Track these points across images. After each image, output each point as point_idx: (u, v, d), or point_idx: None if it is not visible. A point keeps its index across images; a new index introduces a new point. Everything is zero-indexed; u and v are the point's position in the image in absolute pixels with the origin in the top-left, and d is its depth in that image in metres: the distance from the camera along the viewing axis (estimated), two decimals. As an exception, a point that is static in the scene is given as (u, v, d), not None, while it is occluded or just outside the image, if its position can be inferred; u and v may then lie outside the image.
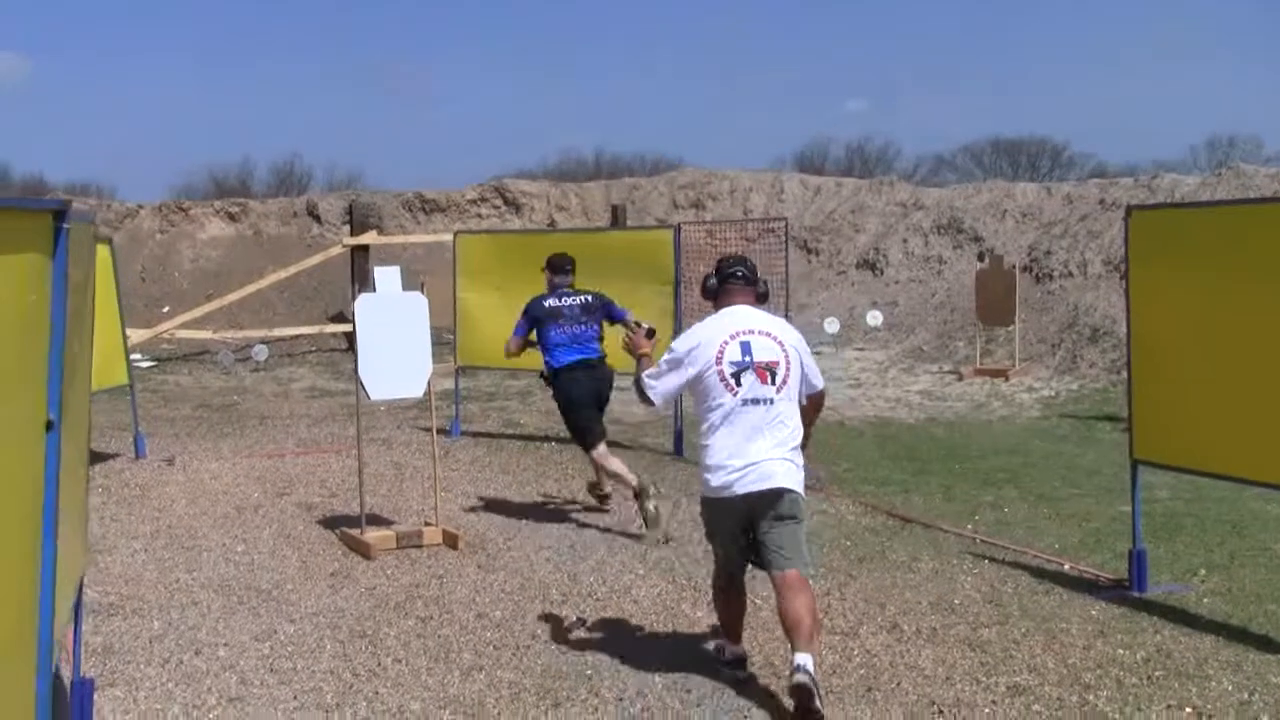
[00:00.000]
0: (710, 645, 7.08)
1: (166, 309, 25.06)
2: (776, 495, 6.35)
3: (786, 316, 12.18)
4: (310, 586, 8.49)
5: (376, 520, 10.11)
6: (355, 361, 9.60)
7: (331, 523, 10.19)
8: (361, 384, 9.60)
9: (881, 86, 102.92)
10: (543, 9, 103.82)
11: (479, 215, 29.39)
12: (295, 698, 6.48)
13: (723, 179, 29.40)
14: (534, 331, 10.33)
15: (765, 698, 6.41)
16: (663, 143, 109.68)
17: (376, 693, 6.53)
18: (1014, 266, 20.66)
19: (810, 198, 28.61)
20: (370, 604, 8.06)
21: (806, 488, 6.61)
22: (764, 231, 12.52)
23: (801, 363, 6.55)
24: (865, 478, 11.86)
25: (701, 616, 7.67)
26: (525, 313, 10.39)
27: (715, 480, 6.40)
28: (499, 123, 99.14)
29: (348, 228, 25.33)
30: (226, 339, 22.96)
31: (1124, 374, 8.75)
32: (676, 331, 11.44)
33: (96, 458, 13.23)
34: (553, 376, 10.28)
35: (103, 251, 13.08)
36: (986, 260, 21.93)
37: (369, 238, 23.59)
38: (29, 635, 3.50)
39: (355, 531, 9.56)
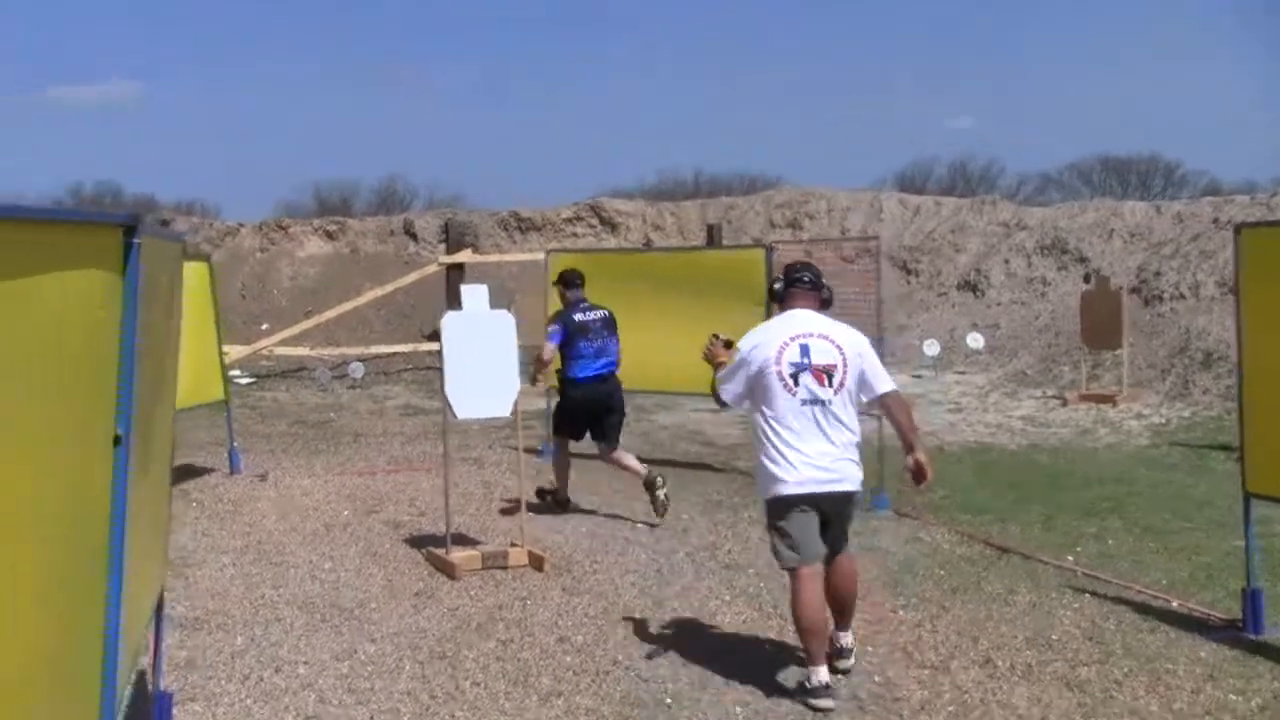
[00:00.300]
0: (795, 681, 6.84)
1: (265, 326, 25.25)
2: (845, 497, 6.82)
3: (880, 339, 11.98)
4: (393, 606, 8.42)
5: (463, 540, 10.03)
6: (442, 380, 9.51)
7: (419, 541, 10.12)
8: (448, 403, 9.54)
9: (988, 104, 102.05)
10: (644, 29, 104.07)
11: (574, 234, 29.36)
12: (371, 718, 6.40)
13: (820, 198, 29.13)
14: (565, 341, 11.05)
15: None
16: (763, 161, 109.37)
17: (453, 716, 6.45)
18: (1121, 288, 20.11)
19: (910, 217, 28.26)
20: (452, 625, 7.97)
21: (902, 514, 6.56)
22: (861, 252, 12.27)
23: (861, 367, 6.80)
24: (963, 505, 11.57)
25: (788, 643, 7.48)
26: (561, 323, 11.06)
27: (790, 479, 6.66)
28: (599, 142, 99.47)
29: (444, 246, 25.43)
30: (323, 356, 23.07)
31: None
32: None
33: (192, 472, 13.31)
34: (570, 385, 11.12)
35: (201, 269, 13.20)
36: (1092, 281, 21.32)
37: (464, 256, 23.64)
38: (96, 647, 3.44)
39: (441, 551, 9.48)
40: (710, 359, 7.31)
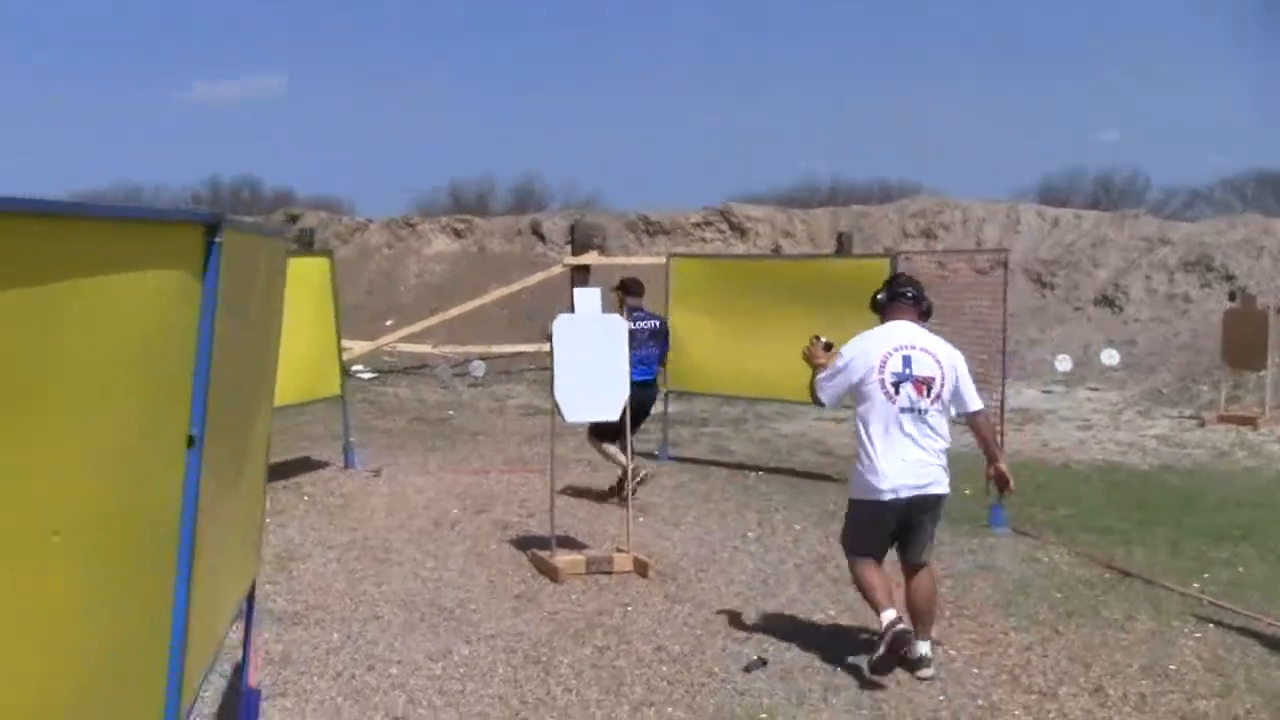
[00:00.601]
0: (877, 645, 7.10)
1: (390, 322, 25.43)
2: (934, 500, 7.23)
3: (1004, 355, 11.69)
4: (493, 607, 8.35)
5: (570, 543, 9.95)
6: (552, 382, 9.43)
7: (525, 543, 10.05)
8: (557, 405, 9.45)
9: (1136, 117, 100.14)
10: (791, 36, 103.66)
11: (703, 239, 29.21)
12: (458, 722, 6.33)
13: (955, 208, 28.65)
14: None
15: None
16: (901, 169, 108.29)
17: (541, 722, 6.33)
18: (1268, 307, 19.41)
19: (1047, 230, 27.67)
20: (549, 629, 7.88)
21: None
22: (996, 264, 11.97)
23: (957, 382, 7.25)
24: (1086, 525, 11.22)
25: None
26: None
27: (882, 485, 7.08)
28: (737, 147, 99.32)
29: (570, 247, 25.42)
30: (446, 354, 23.16)
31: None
32: None
33: (307, 466, 13.39)
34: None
35: (322, 264, 13.26)
36: (1237, 300, 20.61)
37: (589, 258, 23.59)
38: (163, 648, 3.36)
39: (545, 554, 9.39)
40: (809, 359, 7.61)
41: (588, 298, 9.85)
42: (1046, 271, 26.28)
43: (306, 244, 23.52)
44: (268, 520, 10.50)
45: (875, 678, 6.92)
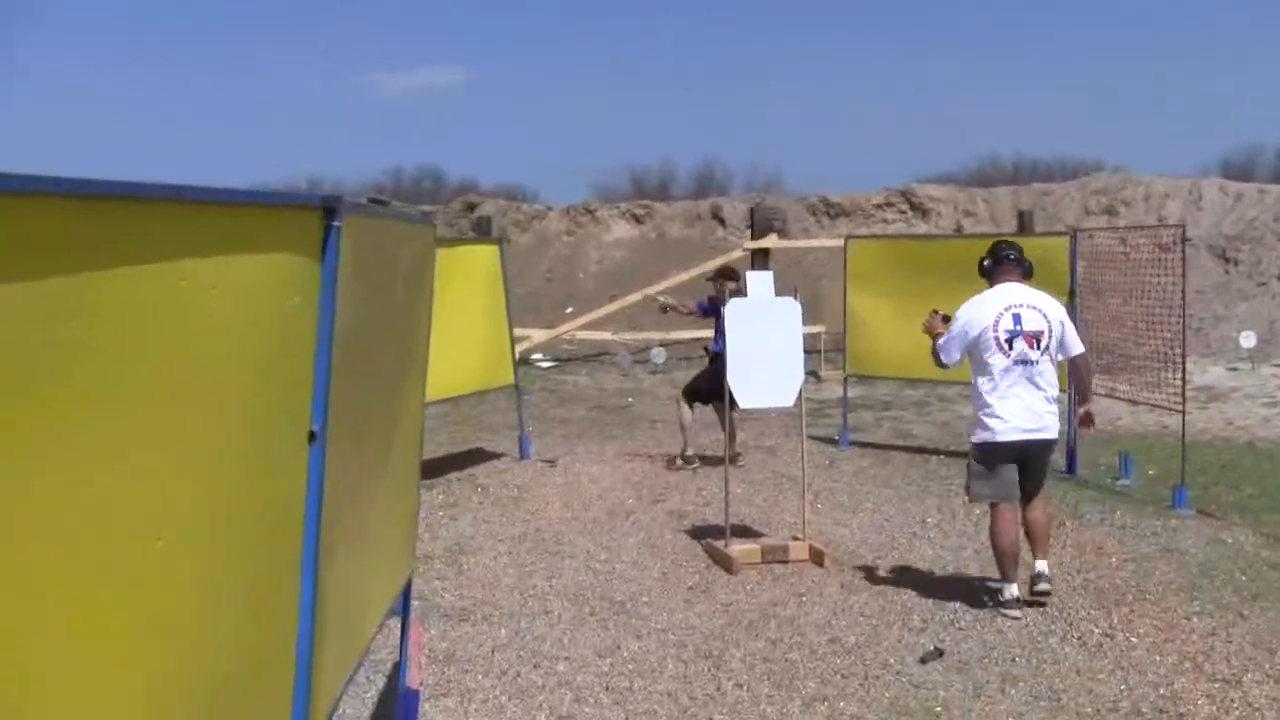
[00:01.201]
0: (988, 598, 8.00)
1: (570, 310, 25.47)
2: (1047, 444, 8.10)
3: (1184, 331, 11.24)
4: (665, 600, 8.22)
5: (745, 532, 9.79)
6: (725, 368, 9.27)
7: (700, 533, 9.92)
8: (730, 391, 9.29)
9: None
10: (964, 21, 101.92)
11: (884, 220, 28.74)
12: (626, 720, 6.21)
13: (1137, 184, 27.74)
14: (715, 316, 12.00)
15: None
16: (1084, 147, 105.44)
17: (711, 719, 6.17)
18: None
19: (1230, 205, 26.62)
20: (722, 622, 7.73)
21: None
22: (1178, 239, 11.53)
23: (1063, 331, 8.05)
24: (1272, 505, 10.73)
25: (1069, 653, 6.97)
26: (715, 301, 12.30)
27: (1002, 429, 7.89)
28: (919, 127, 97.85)
29: (750, 231, 25.15)
30: (626, 341, 23.12)
31: None
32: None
33: (482, 456, 13.43)
34: (716, 357, 12.18)
35: (491, 252, 13.26)
36: None
37: (769, 241, 23.30)
38: (290, 651, 3.29)
39: (720, 544, 9.25)
40: (929, 330, 8.58)
41: (761, 281, 9.68)
42: (1230, 247, 25.27)
43: (484, 232, 23.67)
44: (440, 513, 10.59)
45: (1008, 613, 7.73)
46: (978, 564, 8.91)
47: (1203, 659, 6.85)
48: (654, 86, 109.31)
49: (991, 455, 7.97)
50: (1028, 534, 8.04)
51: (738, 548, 9.14)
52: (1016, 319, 7.95)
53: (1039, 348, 7.92)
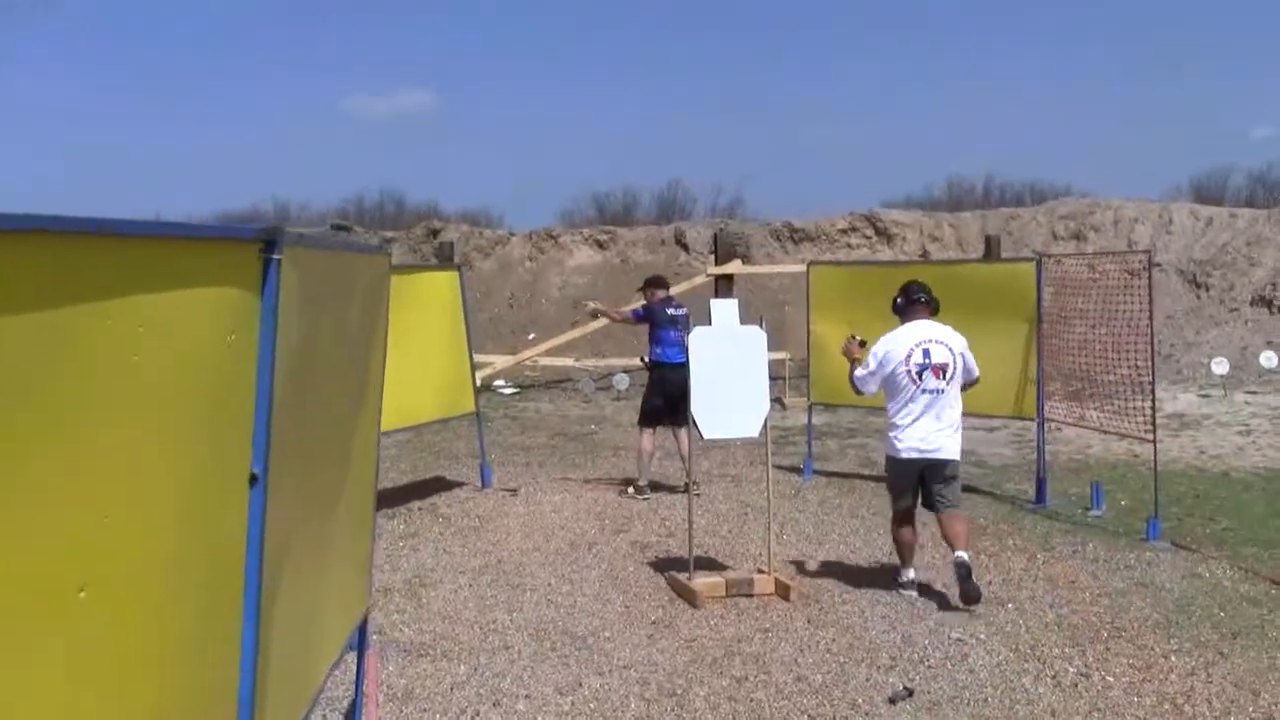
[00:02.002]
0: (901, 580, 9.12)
1: (532, 335, 25.32)
2: (946, 463, 9.01)
3: (1153, 358, 11.15)
4: (628, 635, 8.03)
5: (710, 564, 9.62)
6: (689, 398, 9.10)
7: (664, 565, 9.73)
8: (694, 423, 9.13)
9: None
10: (940, 35, 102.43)
11: (849, 245, 28.71)
12: (586, 763, 6.01)
13: (1106, 209, 27.76)
14: (649, 325, 12.75)
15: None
16: (1054, 170, 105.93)
17: (674, 763, 6.00)
18: None
19: (1201, 229, 26.68)
20: (686, 658, 7.54)
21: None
22: (1147, 264, 11.46)
23: (964, 361, 9.08)
24: (1249, 538, 10.61)
25: (1044, 693, 6.82)
26: (649, 309, 12.75)
27: (902, 448, 9.00)
28: (885, 151, 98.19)
29: (714, 257, 25.04)
30: (588, 367, 22.96)
31: None
32: (1040, 366, 12.06)
33: (442, 485, 13.25)
34: (655, 366, 12.67)
35: (451, 279, 13.09)
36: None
37: (733, 267, 23.18)
38: (228, 704, 3.12)
39: (683, 576, 9.06)
40: (847, 354, 9.55)
41: (725, 309, 9.52)
42: (1201, 272, 25.33)
43: (446, 258, 23.48)
44: (401, 543, 10.39)
45: (968, 606, 8.51)
46: (945, 600, 8.75)
47: (1183, 700, 6.70)
48: (619, 112, 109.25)
49: (896, 469, 9.17)
50: (944, 536, 9.00)
51: (702, 581, 8.96)
52: (926, 354, 8.97)
53: (945, 378, 8.96)
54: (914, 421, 8.92)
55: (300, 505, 3.73)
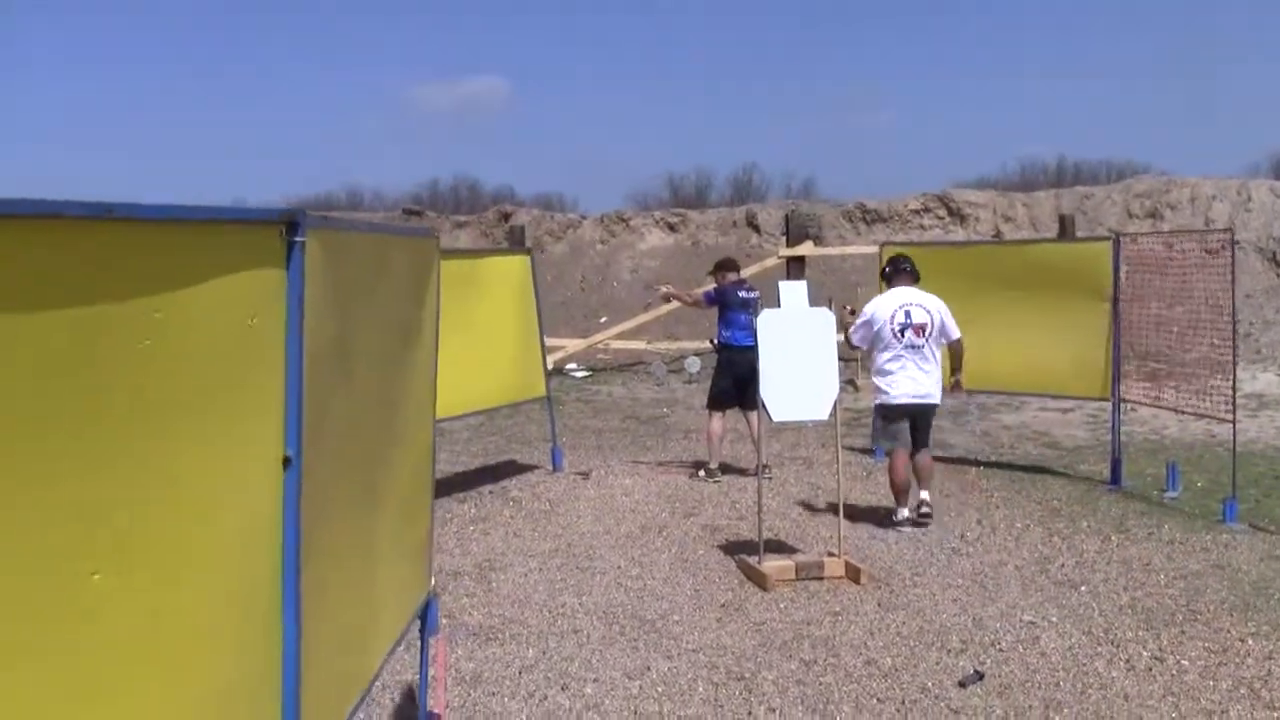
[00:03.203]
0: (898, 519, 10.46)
1: (604, 319, 25.29)
2: (929, 408, 10.69)
3: (1234, 337, 10.96)
4: (697, 619, 8.00)
5: (780, 548, 9.57)
6: (758, 381, 9.07)
7: (734, 548, 9.70)
8: (763, 405, 9.09)
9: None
10: (1004, 22, 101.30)
11: (921, 226, 28.44)
12: (651, 748, 6.00)
13: (1182, 187, 27.28)
14: (719, 307, 12.82)
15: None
16: (1129, 148, 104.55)
17: (741, 747, 5.98)
18: None
19: (1281, 207, 26.17)
20: (755, 641, 7.50)
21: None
22: (1226, 243, 11.25)
23: (942, 321, 10.61)
24: (1331, 519, 10.41)
25: (1117, 677, 6.72)
26: (721, 291, 12.80)
27: (896, 393, 10.52)
28: (956, 131, 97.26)
29: (785, 238, 24.90)
30: (660, 350, 22.91)
31: None
32: (1116, 346, 11.98)
33: (515, 469, 13.26)
34: (724, 348, 12.75)
35: (522, 263, 13.08)
36: None
37: (805, 249, 23.04)
38: (274, 683, 3.13)
39: (753, 560, 9.03)
40: (840, 322, 10.22)
41: (794, 291, 9.46)
42: (1281, 250, 24.86)
43: (517, 242, 23.51)
44: (471, 527, 10.42)
45: (909, 529, 10.27)
46: (1018, 581, 8.67)
47: (1259, 685, 6.57)
48: (692, 95, 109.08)
49: (889, 414, 10.60)
50: (916, 473, 10.59)
51: (771, 564, 8.92)
52: (907, 314, 10.54)
53: (924, 335, 10.50)
54: (900, 370, 10.49)
55: (341, 491, 3.72)
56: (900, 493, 10.44)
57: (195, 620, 2.66)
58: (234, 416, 2.83)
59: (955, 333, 10.72)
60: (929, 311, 10.58)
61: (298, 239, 3.07)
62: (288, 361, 3.08)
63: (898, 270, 11.05)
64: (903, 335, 10.47)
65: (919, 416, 10.61)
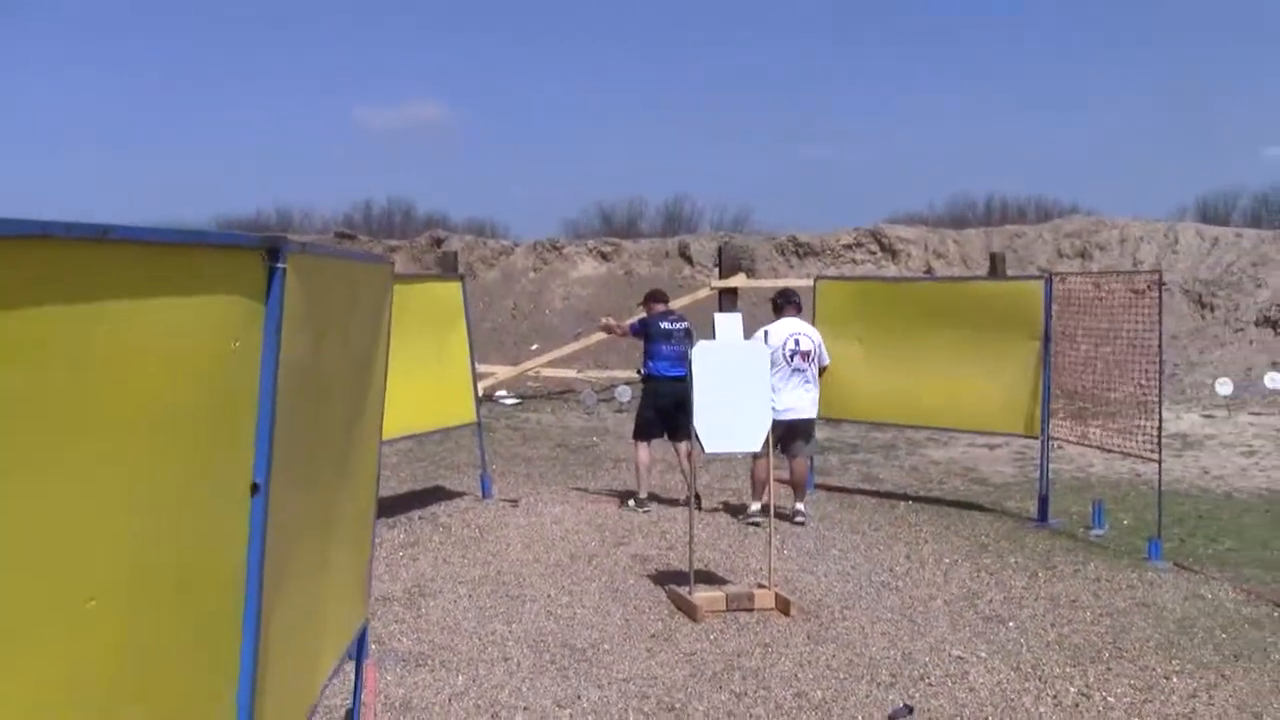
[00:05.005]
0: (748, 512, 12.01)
1: (535, 346, 25.30)
2: (804, 421, 12.10)
3: (1161, 378, 11.11)
4: (627, 648, 7.99)
5: (709, 578, 9.58)
6: (691, 412, 9.08)
7: (664, 578, 9.70)
8: (696, 437, 9.10)
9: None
10: (941, 52, 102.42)
11: (853, 260, 28.68)
12: (584, 778, 5.97)
13: (1111, 228, 27.71)
14: (644, 338, 12.92)
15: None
16: (1059, 188, 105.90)
17: (673, 779, 5.96)
18: None
19: (1207, 249, 26.63)
20: (686, 672, 7.50)
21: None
22: (1153, 284, 11.43)
23: (820, 349, 12.24)
24: (1252, 560, 10.56)
25: (1045, 713, 6.78)
26: (644, 323, 12.99)
27: (777, 406, 10.86)
28: (889, 166, 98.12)
29: (718, 270, 25.01)
30: (591, 379, 22.91)
31: None
32: (1046, 385, 12.04)
33: (443, 495, 13.22)
34: (648, 378, 12.84)
35: (454, 289, 13.05)
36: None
37: (737, 281, 23.17)
38: (229, 703, 3.10)
39: (684, 590, 9.03)
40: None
41: (729, 323, 9.48)
42: (1206, 292, 25.27)
43: (449, 267, 23.46)
44: (401, 552, 10.37)
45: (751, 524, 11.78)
46: (947, 616, 8.73)
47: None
48: (625, 124, 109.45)
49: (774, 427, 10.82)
50: (791, 479, 12.19)
51: (702, 595, 8.92)
52: (796, 342, 12.01)
53: (808, 361, 12.04)
54: (785, 387, 11.77)
55: (301, 515, 3.71)
56: (758, 487, 11.89)
57: (159, 641, 2.65)
58: (207, 441, 2.82)
59: (826, 360, 12.45)
60: (813, 341, 12.23)
61: (279, 265, 3.07)
62: (261, 386, 3.06)
63: (788, 302, 12.56)
64: (791, 360, 11.93)
65: (796, 427, 11.98)
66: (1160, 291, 11.17)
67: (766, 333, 11.77)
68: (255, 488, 3.10)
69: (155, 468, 2.55)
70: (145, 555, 2.53)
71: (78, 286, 2.18)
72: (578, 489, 13.88)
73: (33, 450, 2.05)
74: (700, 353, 9.17)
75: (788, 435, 11.94)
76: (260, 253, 3.07)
